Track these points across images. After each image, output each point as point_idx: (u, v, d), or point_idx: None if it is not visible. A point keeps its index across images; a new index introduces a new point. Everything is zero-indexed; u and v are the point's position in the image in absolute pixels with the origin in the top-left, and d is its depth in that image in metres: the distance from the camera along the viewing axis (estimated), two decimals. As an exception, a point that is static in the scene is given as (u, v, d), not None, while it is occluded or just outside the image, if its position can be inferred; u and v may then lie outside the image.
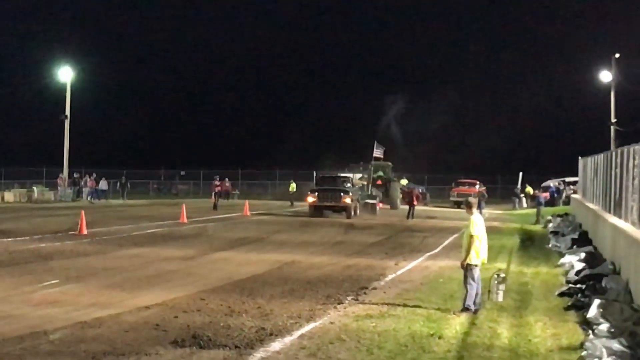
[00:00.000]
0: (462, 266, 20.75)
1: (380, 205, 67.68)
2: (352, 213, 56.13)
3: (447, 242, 40.57)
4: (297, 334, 17.65)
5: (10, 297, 21.39)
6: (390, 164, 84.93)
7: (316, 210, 57.27)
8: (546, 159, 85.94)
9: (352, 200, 54.96)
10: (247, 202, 69.17)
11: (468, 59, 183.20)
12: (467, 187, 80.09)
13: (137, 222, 50.31)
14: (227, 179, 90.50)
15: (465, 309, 20.16)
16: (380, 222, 59.38)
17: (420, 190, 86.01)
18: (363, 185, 67.17)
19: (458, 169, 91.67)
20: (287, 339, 17.06)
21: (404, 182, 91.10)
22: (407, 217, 63.83)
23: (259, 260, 31.81)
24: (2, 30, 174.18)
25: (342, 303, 21.98)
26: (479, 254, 20.80)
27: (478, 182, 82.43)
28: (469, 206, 21.68)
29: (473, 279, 20.41)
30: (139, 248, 34.92)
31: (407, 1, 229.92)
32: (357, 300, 22.58)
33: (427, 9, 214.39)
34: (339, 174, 61.03)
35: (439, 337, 17.54)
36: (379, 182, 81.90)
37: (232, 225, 52.67)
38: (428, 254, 35.40)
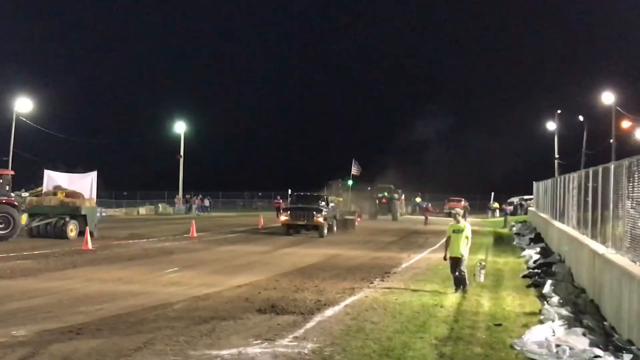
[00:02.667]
0: (462, 256, 20.29)
1: (359, 219, 56.67)
2: (325, 231, 44.22)
3: (443, 240, 40.39)
4: (342, 304, 17.78)
5: (145, 280, 21.61)
6: (392, 186, 76.19)
7: (289, 229, 45.38)
8: (510, 183, 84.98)
9: (324, 219, 43.67)
10: (359, 217, 69.01)
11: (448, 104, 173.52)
12: (455, 202, 79.17)
13: (230, 228, 49.89)
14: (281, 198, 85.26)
15: (461, 289, 19.95)
16: (394, 228, 57.27)
17: (427, 205, 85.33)
18: (339, 201, 54.64)
19: (449, 189, 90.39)
20: (336, 308, 17.20)
21: (418, 199, 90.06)
22: (424, 223, 61.61)
23: (314, 253, 31.84)
24: (140, 92, 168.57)
25: (373, 283, 22.16)
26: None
27: (463, 199, 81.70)
28: (456, 218, 21.56)
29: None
30: (232, 245, 34.99)
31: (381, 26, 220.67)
32: (382, 280, 22.68)
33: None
34: (313, 193, 49.66)
35: (441, 306, 17.66)
36: (384, 200, 74.59)
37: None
38: (430, 249, 35.36)
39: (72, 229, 35.99)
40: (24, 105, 66.17)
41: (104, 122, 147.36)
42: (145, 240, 37.59)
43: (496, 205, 78.62)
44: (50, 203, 37.67)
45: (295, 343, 13.06)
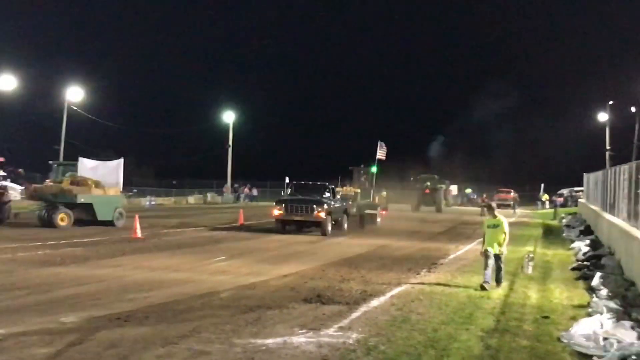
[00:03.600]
0: (501, 253, 19.55)
1: (384, 213, 46.72)
2: (329, 228, 36.03)
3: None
4: (388, 294, 17.80)
5: (193, 268, 21.77)
6: (436, 176, 74.14)
7: (284, 225, 37.16)
8: (561, 175, 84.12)
9: (327, 214, 35.49)
10: (383, 211, 68.66)
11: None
12: (504, 193, 78.62)
13: None
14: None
15: (494, 284, 19.31)
16: (444, 218, 57.04)
17: (477, 196, 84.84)
18: (356, 194, 44.02)
19: (498, 180, 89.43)
20: (382, 298, 17.21)
21: (469, 190, 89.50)
22: (480, 215, 58.74)
23: (361, 244, 31.93)
24: (191, 82, 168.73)
25: (419, 273, 22.17)
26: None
27: (512, 190, 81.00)
28: (490, 210, 20.84)
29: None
30: (279, 234, 34.95)
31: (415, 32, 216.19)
32: (429, 272, 22.68)
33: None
34: (316, 182, 40.19)
35: (488, 298, 17.60)
36: (427, 190, 70.97)
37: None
38: (477, 240, 35.02)
39: (62, 218, 34.82)
40: (75, 94, 66.75)
41: (155, 112, 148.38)
42: (193, 228, 37.84)
43: (546, 197, 77.66)
44: (50, 191, 36.57)
45: (340, 333, 13.09)
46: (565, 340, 12.74)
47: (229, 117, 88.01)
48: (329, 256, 26.36)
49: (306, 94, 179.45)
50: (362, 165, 49.91)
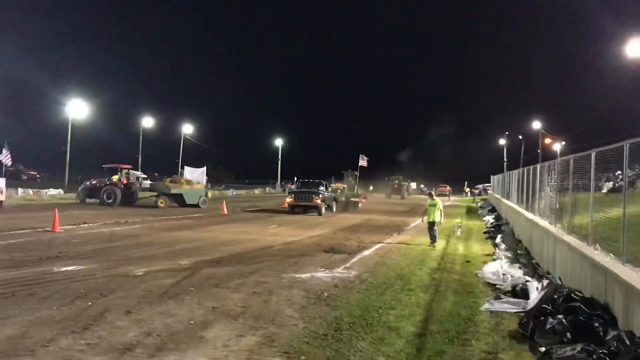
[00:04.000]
0: (437, 223, 19.19)
1: (364, 200, 45.90)
2: (323, 211, 34.92)
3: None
4: (373, 248, 17.93)
5: (257, 232, 21.87)
6: (401, 177, 73.39)
7: (294, 208, 35.79)
8: (478, 176, 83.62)
9: (322, 201, 34.84)
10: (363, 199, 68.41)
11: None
12: (443, 187, 78.03)
13: None
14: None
15: (433, 242, 18.88)
16: (406, 203, 55.99)
17: (427, 189, 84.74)
18: (343, 188, 43.90)
19: (440, 179, 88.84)
20: (370, 250, 17.35)
21: (422, 185, 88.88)
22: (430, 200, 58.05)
23: (356, 218, 31.99)
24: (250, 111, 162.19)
25: (392, 235, 22.27)
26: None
27: (448, 185, 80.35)
28: (431, 196, 20.59)
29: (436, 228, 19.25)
30: (303, 215, 34.89)
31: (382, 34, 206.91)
32: (398, 234, 22.81)
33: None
34: (315, 180, 38.72)
35: (433, 251, 17.71)
36: (396, 185, 70.63)
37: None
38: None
39: (161, 202, 35.16)
40: (188, 128, 67.65)
41: (234, 135, 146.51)
42: (256, 209, 37.97)
43: (468, 189, 78.13)
44: (157, 186, 37.72)
45: (345, 271, 13.28)
46: (479, 275, 12.89)
47: (278, 141, 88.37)
48: (338, 225, 26.48)
49: (319, 121, 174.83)
50: (349, 170, 49.08)
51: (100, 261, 13.60)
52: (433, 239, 19.01)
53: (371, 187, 72.36)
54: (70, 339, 7.16)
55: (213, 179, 72.81)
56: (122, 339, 7.27)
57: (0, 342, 6.93)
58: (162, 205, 35.01)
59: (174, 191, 36.48)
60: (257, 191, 75.02)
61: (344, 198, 40.51)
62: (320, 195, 34.00)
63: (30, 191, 41.20)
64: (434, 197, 20.06)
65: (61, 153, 49.91)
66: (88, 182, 37.62)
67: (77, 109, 47.58)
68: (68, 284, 10.60)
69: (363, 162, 50.03)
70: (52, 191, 42.62)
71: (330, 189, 38.01)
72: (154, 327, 7.84)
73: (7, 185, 32.36)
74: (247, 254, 15.70)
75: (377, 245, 18.70)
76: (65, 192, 42.84)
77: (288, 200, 35.36)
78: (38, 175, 73.16)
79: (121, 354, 6.69)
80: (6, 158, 41.68)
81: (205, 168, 43.74)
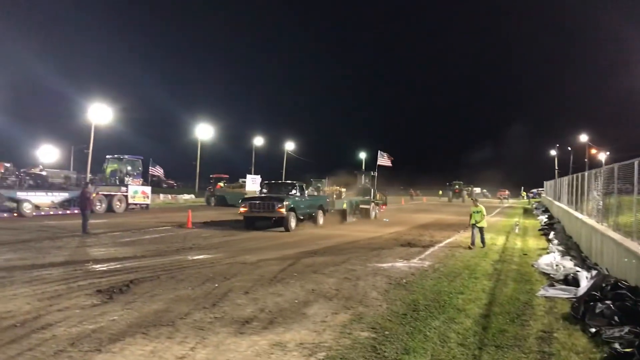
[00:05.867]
0: (481, 226, 16.57)
1: (383, 208, 31.90)
2: (292, 224, 20.87)
3: (495, 212, 39.16)
4: (444, 242, 17.65)
5: (345, 229, 21.87)
6: (461, 182, 65.65)
7: (249, 222, 21.41)
8: (533, 181, 79.91)
9: (289, 210, 20.90)
10: (424, 199, 66.98)
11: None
12: (502, 191, 75.30)
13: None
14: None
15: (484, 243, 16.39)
16: (467, 205, 53.83)
17: (488, 193, 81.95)
18: (340, 192, 28.95)
19: (500, 184, 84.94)
20: (441, 244, 17.07)
21: (484, 190, 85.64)
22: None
23: (429, 217, 31.42)
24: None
25: (459, 232, 21.70)
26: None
27: (506, 190, 77.39)
28: (475, 203, 17.56)
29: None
30: (393, 212, 34.51)
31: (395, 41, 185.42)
32: (465, 231, 22.03)
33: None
34: (286, 181, 26.19)
35: (495, 245, 17.28)
36: (456, 190, 63.17)
37: (426, 205, 51.21)
38: (490, 214, 34.07)
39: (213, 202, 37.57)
40: (290, 145, 68.27)
41: (323, 149, 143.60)
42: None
43: (524, 192, 75.41)
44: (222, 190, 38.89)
45: (420, 261, 13.12)
46: (535, 266, 12.44)
47: (362, 155, 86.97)
48: (413, 223, 26.16)
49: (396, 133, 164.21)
50: (363, 170, 34.77)
51: (223, 251, 14.07)
52: (482, 241, 16.48)
53: (440, 192, 70.73)
54: (201, 313, 7.45)
55: None
56: (242, 313, 7.49)
57: (149, 315, 7.30)
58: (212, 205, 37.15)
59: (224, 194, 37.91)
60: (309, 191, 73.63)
61: (347, 205, 26.53)
62: (287, 202, 20.50)
63: (169, 196, 43.09)
64: (478, 204, 17.32)
65: (192, 166, 51.75)
66: (210, 188, 39.14)
67: (204, 131, 49.31)
68: (199, 269, 11.02)
69: (384, 160, 34.81)
70: (186, 196, 44.46)
71: (308, 193, 23.82)
72: (267, 304, 8.03)
73: (152, 192, 33.92)
74: (337, 247, 15.77)
75: (447, 240, 18.34)
76: (196, 197, 44.54)
77: (242, 210, 20.92)
78: (175, 184, 76.21)
79: (241, 325, 6.90)
80: (156, 171, 43.72)
81: (259, 176, 41.03)
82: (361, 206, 28.53)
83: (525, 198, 72.37)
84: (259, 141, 63.76)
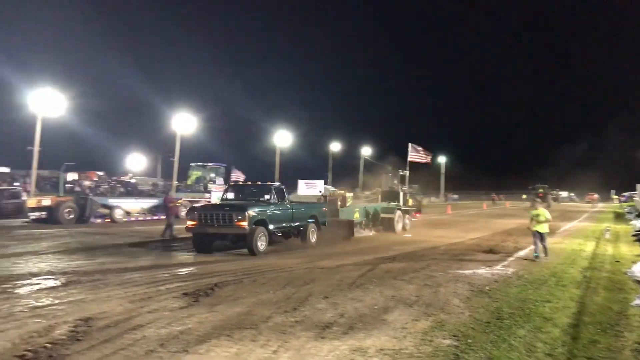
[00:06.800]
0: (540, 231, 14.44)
1: (416, 216, 25.90)
2: (259, 246, 14.01)
3: (584, 216, 37.34)
4: (528, 249, 16.74)
5: (422, 234, 21.56)
6: (545, 185, 58.32)
7: (199, 242, 14.54)
8: (624, 185, 74.82)
9: (255, 223, 13.96)
10: (507, 203, 64.59)
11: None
12: (591, 195, 71.80)
13: (467, 210, 47.82)
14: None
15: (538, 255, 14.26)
16: (557, 209, 49.58)
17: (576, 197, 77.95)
18: (344, 197, 20.27)
19: (589, 187, 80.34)
20: (525, 250, 16.41)
21: (572, 193, 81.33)
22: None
23: (512, 222, 30.25)
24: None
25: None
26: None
27: (595, 193, 73.73)
28: (534, 205, 15.39)
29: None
30: (469, 217, 33.78)
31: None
32: (550, 237, 21.09)
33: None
34: (258, 182, 17.25)
35: (584, 251, 16.47)
36: (540, 194, 53.53)
37: (509, 210, 49.57)
38: (577, 220, 32.58)
39: None
40: (366, 150, 67.72)
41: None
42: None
43: (615, 196, 71.42)
44: None
45: (503, 268, 12.72)
46: (629, 274, 11.75)
47: (442, 159, 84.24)
48: (495, 229, 25.39)
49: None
50: (389, 168, 26.88)
51: (301, 256, 14.24)
52: (539, 251, 14.42)
53: (524, 196, 67.44)
54: (283, 316, 7.56)
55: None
56: (322, 318, 7.54)
57: (232, 317, 7.50)
58: None
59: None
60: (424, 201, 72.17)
61: (360, 213, 20.73)
62: (251, 213, 14.04)
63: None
64: (538, 207, 14.97)
65: (271, 172, 52.77)
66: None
67: (283, 138, 50.17)
68: (279, 273, 11.21)
69: (417, 155, 26.02)
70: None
71: (289, 200, 16.53)
72: (346, 309, 8.04)
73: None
74: (416, 252, 15.58)
75: (531, 247, 17.62)
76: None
77: (189, 224, 14.59)
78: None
79: (322, 329, 6.95)
80: (238, 176, 45.03)
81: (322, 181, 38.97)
82: (382, 215, 21.97)
83: (615, 202, 68.64)
84: (335, 147, 63.96)
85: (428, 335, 6.78)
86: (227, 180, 38.34)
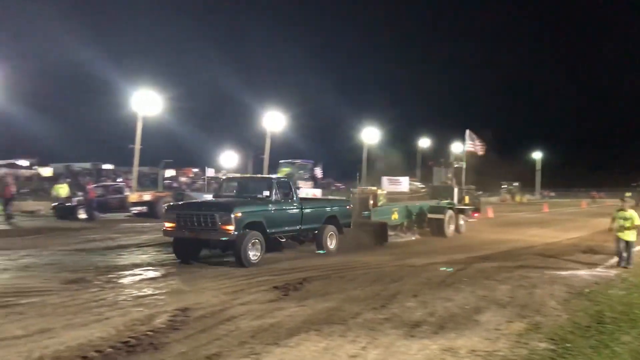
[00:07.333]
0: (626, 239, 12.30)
1: (475, 216, 22.23)
2: (247, 255, 10.99)
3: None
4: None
5: (517, 233, 20.75)
6: None
7: (179, 248, 11.81)
8: None
9: (244, 227, 10.99)
10: (607, 201, 60.51)
11: None
12: None
13: (563, 209, 45.37)
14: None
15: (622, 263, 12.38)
16: None
17: None
18: (375, 194, 16.94)
19: None
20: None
21: None
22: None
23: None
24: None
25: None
26: None
27: None
28: (624, 205, 12.54)
29: None
30: (567, 215, 32.05)
31: None
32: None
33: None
34: (257, 175, 20.67)
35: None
36: None
37: (610, 209, 46.39)
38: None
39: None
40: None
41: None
42: (509, 212, 35.94)
43: None
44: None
45: (605, 270, 12.02)
46: None
47: (537, 155, 78.98)
48: (595, 228, 23.82)
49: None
50: (442, 160, 22.99)
51: (389, 254, 14.16)
52: (623, 259, 12.39)
53: (629, 194, 61.60)
54: (371, 313, 7.54)
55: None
56: (411, 316, 7.45)
57: (321, 312, 7.57)
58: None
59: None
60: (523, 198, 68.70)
61: (400, 213, 17.66)
62: (239, 215, 11.15)
63: (336, 198, 44.65)
64: (627, 208, 12.44)
65: (358, 169, 52.78)
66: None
67: (370, 135, 50.03)
68: (367, 271, 11.21)
69: (473, 144, 22.19)
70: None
71: (298, 197, 13.37)
72: (436, 308, 7.90)
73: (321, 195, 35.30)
74: (511, 252, 15.07)
75: (637, 248, 16.52)
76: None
77: (167, 226, 11.85)
78: (342, 186, 78.26)
79: (411, 328, 6.87)
80: (317, 173, 45.55)
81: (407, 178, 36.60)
82: (430, 216, 18.71)
83: None
84: (424, 142, 62.96)
85: (523, 338, 6.53)
86: (314, 176, 38.87)
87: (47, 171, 55.01)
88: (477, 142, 22.97)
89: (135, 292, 8.78)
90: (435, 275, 10.67)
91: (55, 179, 36.54)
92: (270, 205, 12.19)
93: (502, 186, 57.40)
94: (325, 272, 10.90)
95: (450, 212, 19.00)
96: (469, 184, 21.96)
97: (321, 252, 13.59)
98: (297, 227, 13.07)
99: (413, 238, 17.93)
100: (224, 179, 16.05)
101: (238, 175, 17.09)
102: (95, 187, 24.29)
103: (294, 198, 13.07)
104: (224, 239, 11.28)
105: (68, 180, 32.36)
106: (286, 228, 12.76)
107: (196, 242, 11.90)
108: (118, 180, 33.06)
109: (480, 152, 23.17)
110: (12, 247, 13.95)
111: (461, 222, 19.89)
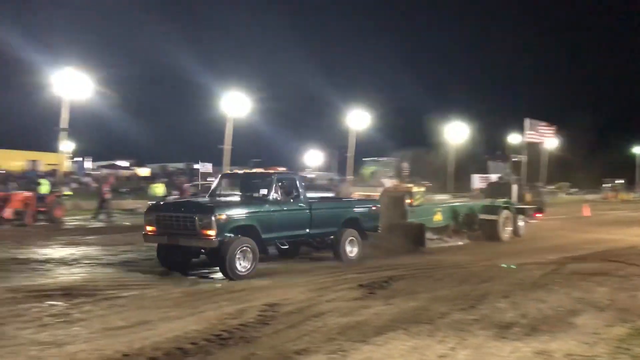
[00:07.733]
0: None
1: (540, 216, 18.81)
2: (231, 266, 9.13)
3: None
4: None
5: (617, 232, 19.42)
6: None
7: (163, 251, 10.07)
8: None
9: (228, 231, 9.14)
10: (536, 214, 55.43)
11: None
12: None
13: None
14: None
15: None
16: None
17: None
18: (409, 192, 14.29)
19: None
20: None
21: None
22: None
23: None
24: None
25: None
26: None
27: None
28: None
29: None
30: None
31: None
32: None
33: None
34: (259, 169, 11.93)
35: None
36: None
37: None
38: None
39: None
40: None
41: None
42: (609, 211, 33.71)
43: None
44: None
45: None
46: None
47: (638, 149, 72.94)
48: None
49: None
50: (498, 153, 19.28)
51: (477, 254, 13.84)
52: None
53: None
54: (460, 314, 7.39)
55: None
56: (502, 317, 7.23)
57: (408, 311, 7.51)
58: None
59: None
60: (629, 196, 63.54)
61: (444, 214, 15.49)
62: (221, 217, 9.29)
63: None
64: None
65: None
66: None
67: (456, 132, 48.83)
68: (454, 270, 11.00)
69: (535, 135, 21.14)
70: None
71: (307, 196, 11.49)
72: (528, 310, 7.62)
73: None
74: (610, 252, 14.18)
75: None
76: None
77: (147, 229, 10.10)
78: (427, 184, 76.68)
79: (502, 329, 6.66)
80: (405, 169, 44.94)
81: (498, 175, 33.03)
82: (482, 216, 16.35)
83: None
84: (515, 138, 60.59)
85: (624, 343, 6.16)
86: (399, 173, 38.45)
87: (144, 171, 58.26)
88: (541, 130, 19.66)
89: (226, 287, 9.12)
90: (527, 276, 10.22)
91: (152, 179, 38.62)
92: (266, 205, 10.29)
93: (604, 184, 54.32)
94: (411, 271, 10.80)
95: (506, 213, 16.58)
96: (535, 180, 19.31)
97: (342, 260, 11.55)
98: (304, 232, 11.08)
99: (460, 243, 15.57)
100: (222, 174, 13.44)
101: (238, 170, 15.90)
102: (190, 186, 25.37)
103: (301, 197, 11.01)
104: (203, 246, 9.65)
105: (164, 180, 34.01)
106: (288, 233, 10.77)
107: (178, 249, 10.00)
108: (208, 179, 34.44)
109: (547, 138, 19.88)
110: (114, 243, 14.90)
111: (520, 223, 17.36)
